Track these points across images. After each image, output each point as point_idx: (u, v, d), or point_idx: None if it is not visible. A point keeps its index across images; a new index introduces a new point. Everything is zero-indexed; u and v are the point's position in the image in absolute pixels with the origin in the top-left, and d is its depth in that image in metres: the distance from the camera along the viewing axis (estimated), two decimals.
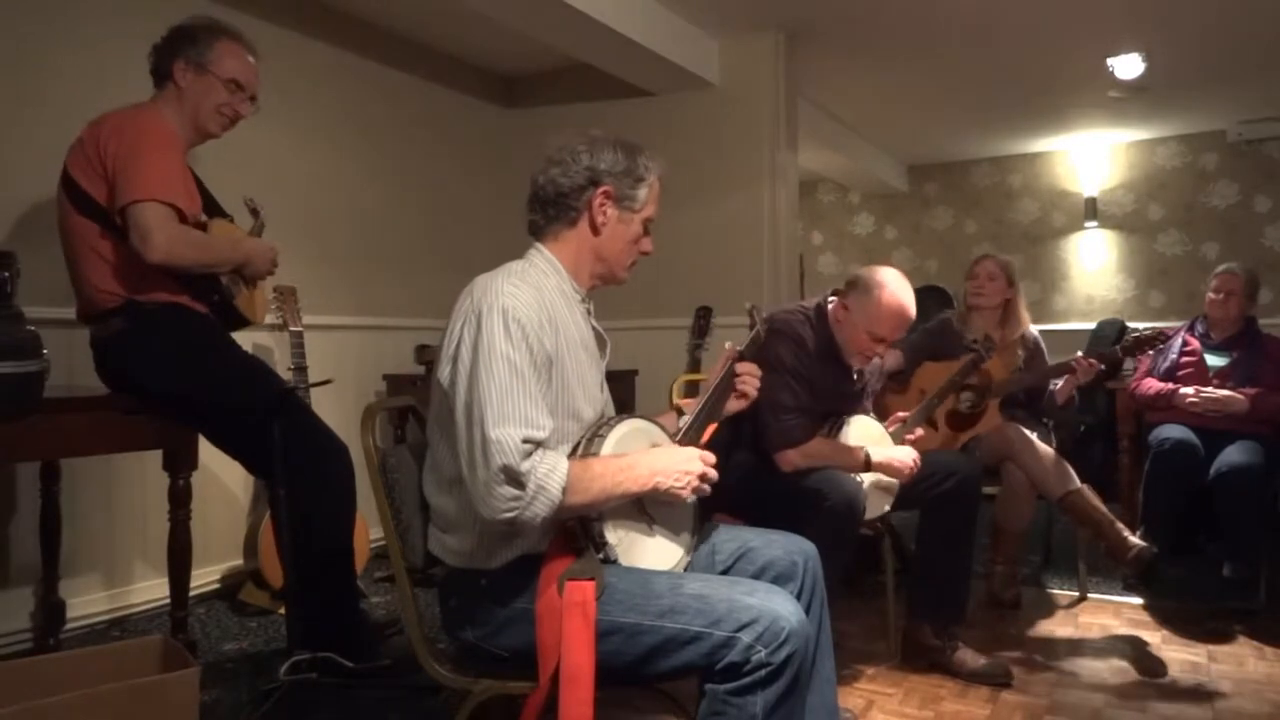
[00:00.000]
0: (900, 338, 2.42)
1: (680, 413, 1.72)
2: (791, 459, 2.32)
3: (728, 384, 1.71)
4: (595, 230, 1.58)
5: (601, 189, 1.56)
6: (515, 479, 1.34)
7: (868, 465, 2.32)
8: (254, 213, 2.61)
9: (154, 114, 2.25)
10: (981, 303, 3.23)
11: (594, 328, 1.64)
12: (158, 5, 3.05)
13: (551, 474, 1.36)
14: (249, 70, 2.39)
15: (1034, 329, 3.30)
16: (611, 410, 1.69)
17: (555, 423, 1.45)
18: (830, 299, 2.47)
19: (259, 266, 2.42)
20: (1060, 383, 3.10)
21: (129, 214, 2.09)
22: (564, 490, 1.36)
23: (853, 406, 2.54)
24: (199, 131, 2.36)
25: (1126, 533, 2.69)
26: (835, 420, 2.45)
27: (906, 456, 2.35)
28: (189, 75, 2.30)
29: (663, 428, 1.62)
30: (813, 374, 2.38)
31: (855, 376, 2.52)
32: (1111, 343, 4.69)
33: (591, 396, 1.58)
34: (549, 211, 1.59)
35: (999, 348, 3.08)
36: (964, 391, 3.01)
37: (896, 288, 2.32)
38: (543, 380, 1.43)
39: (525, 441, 1.35)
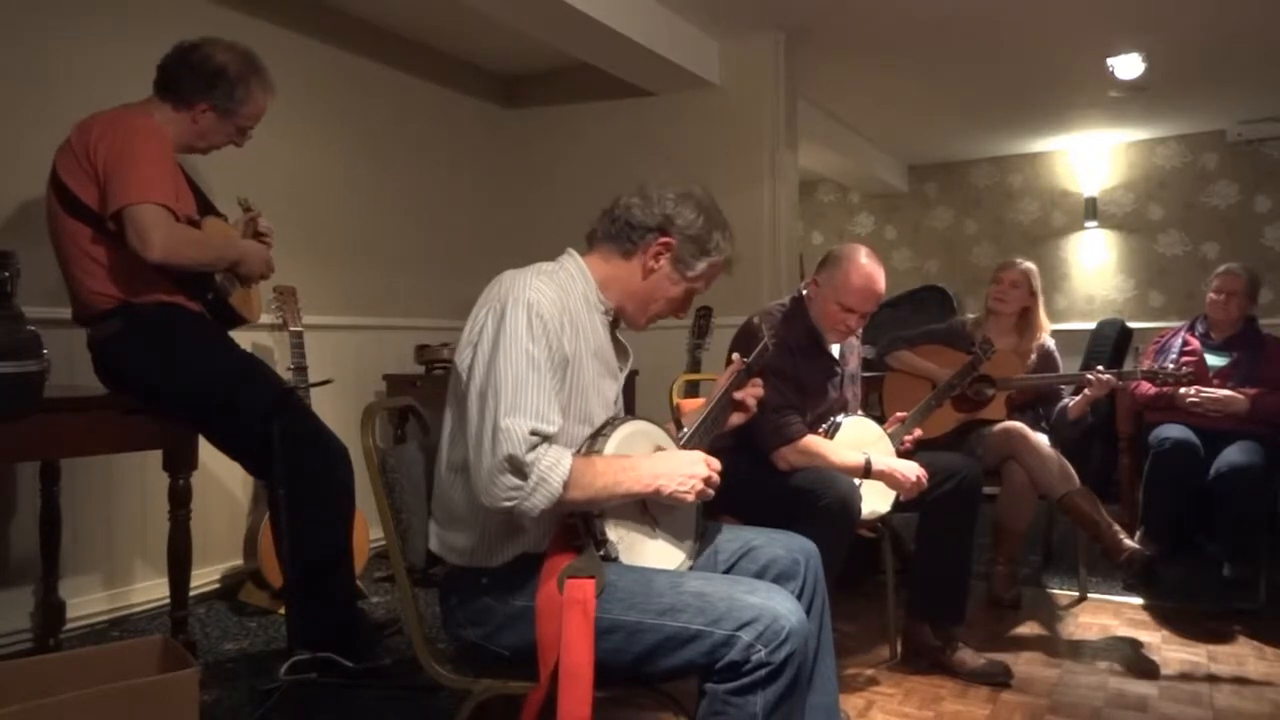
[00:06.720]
0: (870, 310, 2.42)
1: (679, 422, 1.72)
2: (786, 456, 2.30)
3: (731, 396, 1.72)
4: (643, 273, 1.60)
5: (664, 239, 1.58)
6: (518, 469, 1.35)
7: (868, 472, 2.28)
8: (246, 210, 2.61)
9: (144, 115, 2.23)
10: (1002, 309, 3.28)
11: (616, 338, 1.65)
12: (157, 5, 3.06)
13: (554, 468, 1.37)
14: (263, 112, 2.40)
15: (1049, 338, 3.31)
16: None
17: (565, 423, 1.45)
18: (804, 288, 2.50)
19: (253, 266, 2.41)
20: (1075, 399, 3.09)
21: (125, 216, 2.08)
22: (565, 485, 1.37)
23: (841, 394, 2.54)
24: (191, 150, 2.38)
25: (1122, 535, 2.73)
26: (831, 421, 2.44)
27: (910, 471, 2.28)
28: (210, 116, 2.31)
29: (668, 433, 1.62)
30: (797, 370, 2.38)
31: (838, 360, 2.52)
32: (1113, 344, 4.68)
33: (605, 403, 1.59)
34: (611, 230, 1.61)
35: (1008, 352, 3.13)
36: (976, 383, 3.03)
37: (864, 260, 2.38)
38: (557, 378, 1.45)
39: (533, 433, 1.37)
